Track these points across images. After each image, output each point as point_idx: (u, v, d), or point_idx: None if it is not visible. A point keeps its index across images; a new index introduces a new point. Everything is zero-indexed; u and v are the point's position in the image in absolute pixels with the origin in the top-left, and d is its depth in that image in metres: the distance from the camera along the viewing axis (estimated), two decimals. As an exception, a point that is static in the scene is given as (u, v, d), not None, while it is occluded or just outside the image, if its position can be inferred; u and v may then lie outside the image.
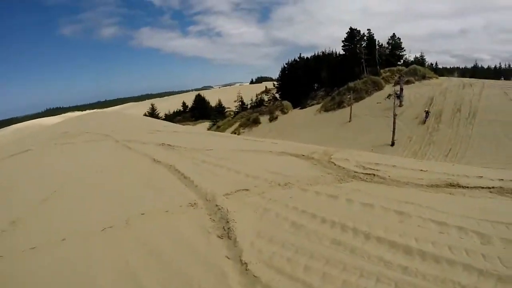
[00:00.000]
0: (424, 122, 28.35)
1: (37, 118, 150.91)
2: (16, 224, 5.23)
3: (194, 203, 4.84)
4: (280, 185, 5.27)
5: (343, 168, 6.04)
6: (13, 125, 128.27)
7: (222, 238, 3.81)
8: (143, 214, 4.73)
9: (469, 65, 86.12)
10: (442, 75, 47.40)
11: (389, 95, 33.84)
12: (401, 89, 33.58)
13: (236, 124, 47.71)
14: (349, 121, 34.36)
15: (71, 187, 6.83)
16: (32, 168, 9.62)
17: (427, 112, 28.80)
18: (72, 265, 3.73)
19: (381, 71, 46.07)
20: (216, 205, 4.59)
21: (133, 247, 3.87)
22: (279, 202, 4.55)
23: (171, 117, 71.93)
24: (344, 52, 52.55)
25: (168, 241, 3.91)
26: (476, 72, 71.26)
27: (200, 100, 78.42)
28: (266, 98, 65.34)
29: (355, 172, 5.76)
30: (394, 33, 53.63)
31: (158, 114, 70.94)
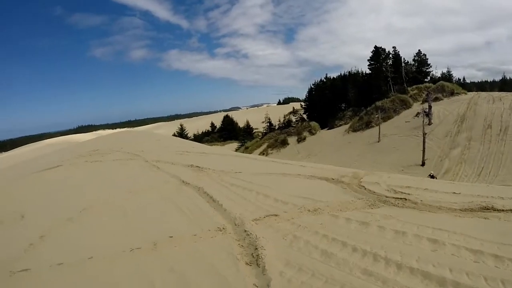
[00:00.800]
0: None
1: (69, 134, 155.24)
2: (45, 239, 5.34)
3: (223, 228, 4.81)
4: (310, 210, 5.19)
5: (374, 192, 5.93)
6: (45, 140, 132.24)
7: (251, 265, 3.75)
8: (171, 237, 4.73)
9: (497, 77, 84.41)
10: (470, 90, 46.58)
11: (418, 113, 33.56)
12: (430, 107, 33.03)
13: (264, 145, 47.69)
14: (378, 141, 33.88)
15: (100, 206, 6.92)
16: (62, 184, 9.86)
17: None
18: (98, 284, 3.77)
19: (408, 88, 45.76)
20: (245, 231, 4.55)
21: (160, 271, 3.86)
22: (309, 229, 4.46)
23: (200, 138, 72.76)
24: (370, 71, 52.52)
25: (195, 267, 3.88)
26: (506, 84, 69.63)
27: (228, 121, 78.91)
28: (293, 118, 65.36)
29: (386, 196, 5.64)
30: (419, 50, 53.55)
31: (186, 134, 71.99)
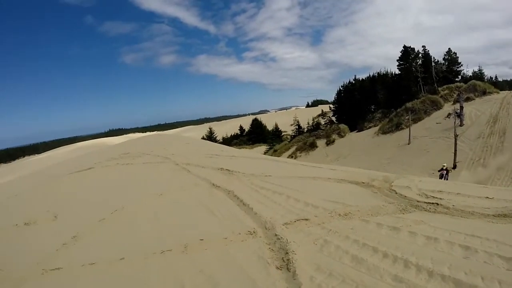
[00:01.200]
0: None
1: (100, 137, 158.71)
2: (77, 239, 5.53)
3: (253, 231, 4.85)
4: (341, 215, 5.18)
5: (405, 196, 5.88)
6: (78, 143, 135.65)
7: (281, 270, 3.78)
8: (202, 239, 4.80)
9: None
10: (503, 89, 45.26)
11: (449, 114, 32.78)
12: (461, 107, 32.19)
13: (293, 148, 47.63)
14: (408, 144, 33.23)
15: (132, 208, 7.10)
16: (94, 186, 10.16)
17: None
18: (129, 284, 3.88)
19: (439, 89, 44.75)
20: (276, 235, 4.58)
21: (190, 273, 3.93)
22: (340, 233, 4.46)
23: (229, 141, 73.19)
24: (399, 72, 51.63)
25: (225, 270, 3.93)
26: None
27: (257, 124, 79.12)
28: (322, 121, 64.92)
29: (417, 201, 5.58)
30: (449, 48, 52.27)
31: (215, 137, 72.51)
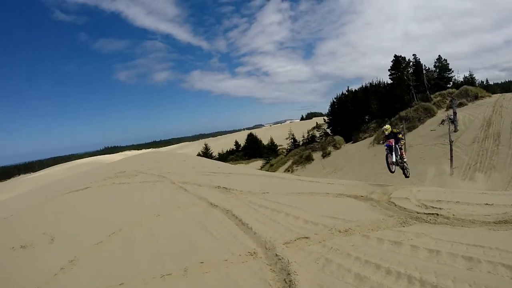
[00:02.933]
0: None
1: (96, 155, 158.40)
2: (75, 263, 5.49)
3: (254, 252, 4.80)
4: (341, 231, 5.14)
5: (405, 208, 5.87)
6: (74, 161, 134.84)
7: (284, 292, 3.74)
8: (202, 262, 4.74)
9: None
10: (495, 92, 45.39)
11: (443, 121, 32.98)
12: (455, 113, 32.34)
13: (289, 162, 47.53)
14: (404, 152, 33.18)
15: (129, 229, 7.04)
16: (91, 207, 10.12)
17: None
18: None
19: (432, 96, 44.99)
20: (276, 255, 4.52)
21: (192, 298, 3.88)
22: (341, 251, 4.42)
23: (224, 156, 73.21)
24: (391, 81, 51.95)
25: (228, 294, 3.89)
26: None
27: (252, 139, 79.10)
28: (317, 134, 65.10)
29: (417, 212, 5.57)
30: (439, 55, 52.62)
31: (211, 153, 72.33)
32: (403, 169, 10.63)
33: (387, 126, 10.77)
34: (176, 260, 5.02)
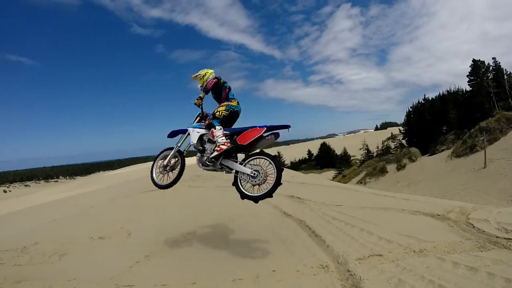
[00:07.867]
0: None
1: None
2: (150, 258, 5.96)
3: (326, 265, 4.80)
4: (415, 251, 4.98)
5: (483, 231, 5.55)
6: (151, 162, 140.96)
7: (354, 309, 3.73)
8: (274, 271, 4.82)
9: None
10: None
11: (529, 132, 30.45)
12: (543, 122, 29.67)
13: (362, 173, 46.22)
14: (484, 168, 31.00)
15: (203, 232, 7.35)
16: (166, 207, 10.60)
17: None
18: None
19: (515, 104, 41.65)
20: (348, 270, 4.50)
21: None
22: (414, 272, 4.29)
23: (297, 165, 73.36)
24: (470, 88, 48.87)
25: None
26: None
27: (325, 149, 78.77)
28: (392, 145, 63.22)
29: (496, 237, 5.25)
30: (523, 58, 48.83)
31: (284, 161, 72.63)
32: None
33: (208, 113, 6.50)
34: (248, 266, 5.14)
